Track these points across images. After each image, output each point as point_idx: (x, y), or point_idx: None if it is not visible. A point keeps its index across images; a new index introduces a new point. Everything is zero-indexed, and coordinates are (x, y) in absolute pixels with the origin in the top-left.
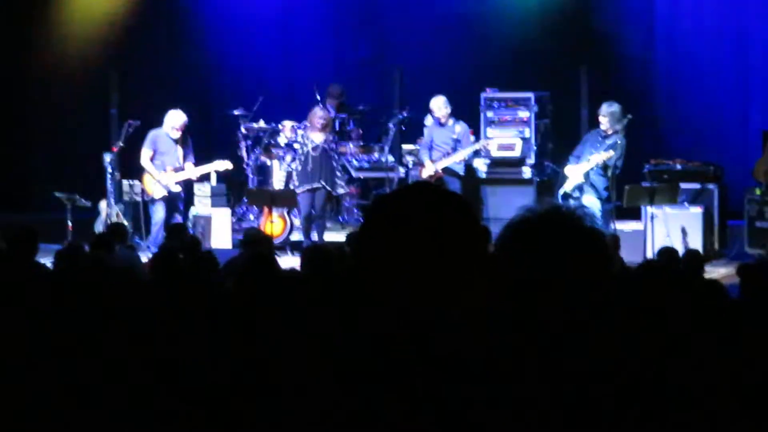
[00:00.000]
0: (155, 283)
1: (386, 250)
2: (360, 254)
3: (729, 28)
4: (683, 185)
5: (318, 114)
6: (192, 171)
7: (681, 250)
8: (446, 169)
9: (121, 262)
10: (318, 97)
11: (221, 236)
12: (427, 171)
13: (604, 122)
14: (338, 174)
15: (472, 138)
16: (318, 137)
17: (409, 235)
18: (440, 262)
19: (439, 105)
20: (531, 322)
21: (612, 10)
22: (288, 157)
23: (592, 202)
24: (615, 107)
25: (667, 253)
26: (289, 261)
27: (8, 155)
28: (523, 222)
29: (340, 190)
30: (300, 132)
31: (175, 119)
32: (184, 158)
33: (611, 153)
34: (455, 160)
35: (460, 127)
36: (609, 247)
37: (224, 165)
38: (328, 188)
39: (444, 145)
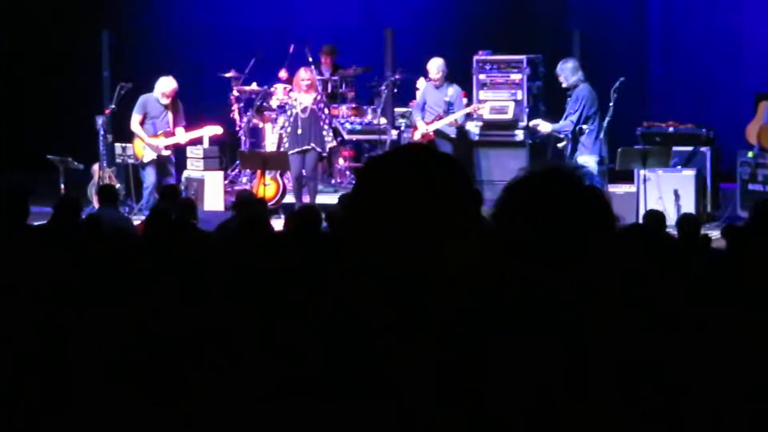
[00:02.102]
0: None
1: (376, 205)
2: (351, 212)
3: None
4: (676, 148)
5: (301, 75)
6: (183, 136)
7: (673, 213)
8: (438, 132)
9: (109, 223)
10: (310, 59)
11: (214, 199)
12: (420, 132)
13: (562, 80)
14: (326, 133)
15: (465, 101)
16: (306, 99)
17: (399, 191)
18: (429, 217)
19: (437, 67)
20: (528, 280)
21: None
22: (281, 120)
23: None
24: (569, 62)
25: (652, 215)
26: (282, 224)
27: (0, 117)
28: (523, 182)
29: (328, 147)
30: (292, 94)
31: (165, 86)
32: (175, 123)
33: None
34: (447, 123)
35: (452, 90)
36: (610, 205)
37: (214, 130)
38: (319, 149)
39: (436, 108)
